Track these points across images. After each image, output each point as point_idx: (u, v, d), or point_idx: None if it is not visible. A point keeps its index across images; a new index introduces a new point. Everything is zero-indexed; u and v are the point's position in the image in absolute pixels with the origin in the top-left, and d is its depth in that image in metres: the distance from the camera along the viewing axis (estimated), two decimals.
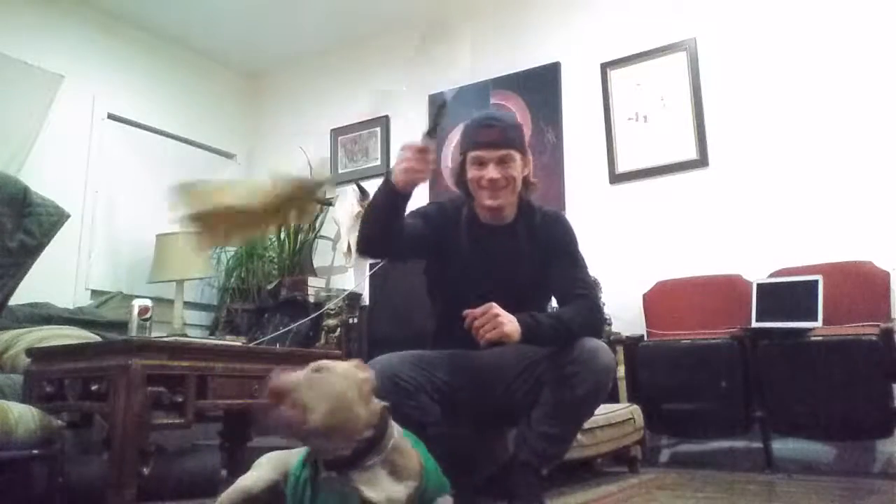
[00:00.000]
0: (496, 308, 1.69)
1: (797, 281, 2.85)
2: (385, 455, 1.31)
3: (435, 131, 1.77)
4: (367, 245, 1.87)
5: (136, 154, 4.42)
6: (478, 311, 1.69)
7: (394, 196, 1.74)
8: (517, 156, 1.93)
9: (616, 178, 3.70)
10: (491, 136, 1.91)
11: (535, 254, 1.96)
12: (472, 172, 1.94)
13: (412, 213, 2.00)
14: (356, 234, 4.37)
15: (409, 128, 4.41)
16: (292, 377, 1.26)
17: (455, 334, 1.80)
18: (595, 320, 1.90)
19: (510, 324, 1.69)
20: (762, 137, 3.33)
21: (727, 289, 3.18)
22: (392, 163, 4.52)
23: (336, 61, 4.85)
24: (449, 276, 1.99)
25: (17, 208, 2.86)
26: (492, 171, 1.89)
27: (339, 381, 1.29)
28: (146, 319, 2.37)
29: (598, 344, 1.81)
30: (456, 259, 1.97)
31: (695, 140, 3.50)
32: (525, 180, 1.99)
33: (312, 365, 1.32)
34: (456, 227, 1.99)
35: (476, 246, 1.97)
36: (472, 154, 1.94)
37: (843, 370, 2.54)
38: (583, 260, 1.98)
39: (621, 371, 3.04)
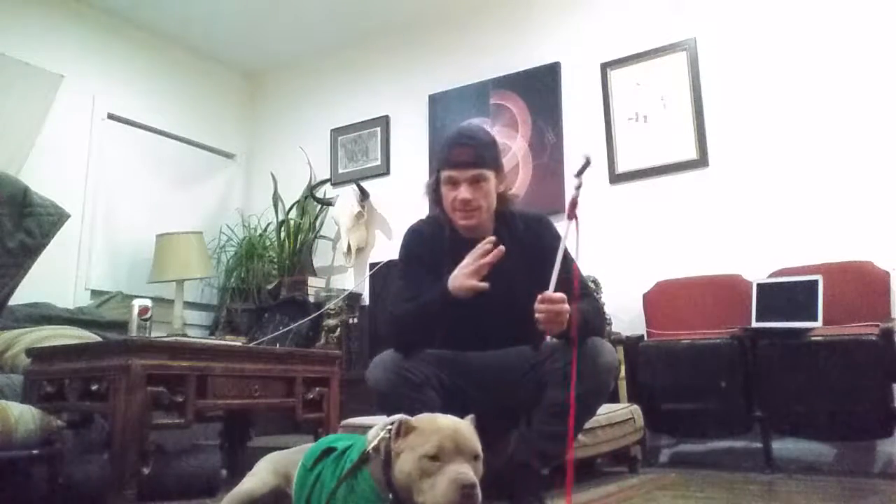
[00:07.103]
0: (566, 305, 1.68)
1: (797, 281, 2.85)
2: None
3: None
4: (409, 348, 1.82)
5: (136, 154, 4.42)
6: (555, 295, 1.66)
7: (448, 303, 1.76)
8: (490, 174, 1.90)
9: (616, 178, 3.69)
10: (463, 155, 1.88)
11: (523, 260, 1.91)
12: (445, 192, 1.92)
13: (408, 258, 1.98)
14: (356, 233, 4.41)
15: (410, 128, 4.42)
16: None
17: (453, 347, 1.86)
18: (602, 319, 1.90)
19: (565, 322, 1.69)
20: (762, 138, 3.33)
21: (727, 289, 3.18)
22: (392, 165, 4.56)
23: (336, 61, 4.85)
24: None
25: (17, 208, 2.86)
26: (464, 192, 1.86)
27: None
28: (146, 319, 2.38)
29: (601, 342, 1.81)
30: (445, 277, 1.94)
31: (695, 140, 3.50)
32: (501, 196, 1.96)
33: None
34: (440, 247, 1.96)
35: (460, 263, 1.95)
36: (444, 173, 1.91)
37: (843, 370, 2.54)
38: (572, 260, 1.97)
39: (621, 371, 3.04)
